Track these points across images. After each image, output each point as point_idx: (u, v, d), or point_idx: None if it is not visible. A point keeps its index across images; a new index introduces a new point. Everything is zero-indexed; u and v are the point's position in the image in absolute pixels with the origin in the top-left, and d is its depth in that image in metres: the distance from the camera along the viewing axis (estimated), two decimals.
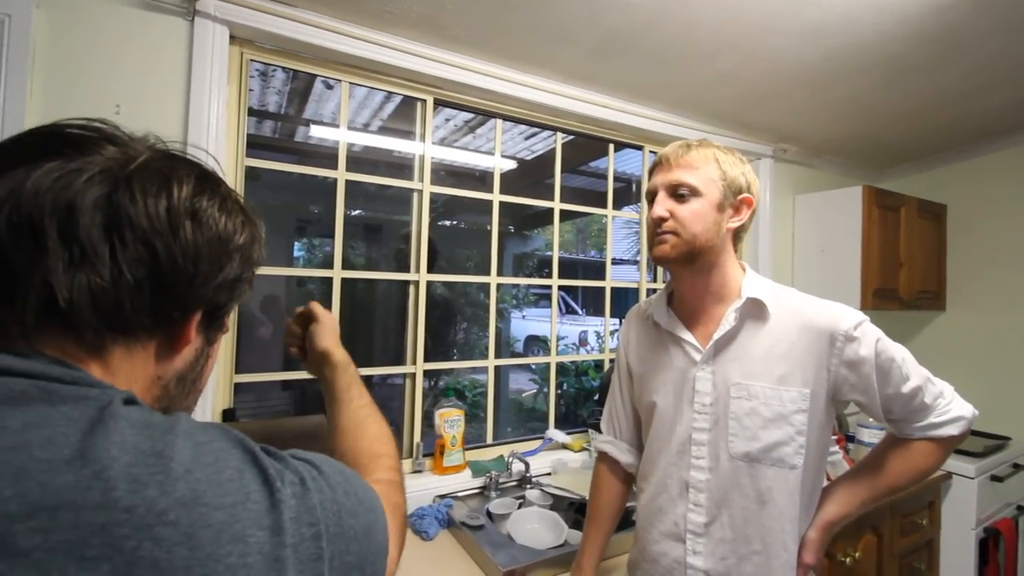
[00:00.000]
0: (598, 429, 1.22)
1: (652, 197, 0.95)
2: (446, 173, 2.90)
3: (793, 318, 0.91)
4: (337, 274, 1.60)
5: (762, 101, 2.05)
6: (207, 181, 0.46)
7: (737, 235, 0.97)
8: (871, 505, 0.97)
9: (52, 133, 0.41)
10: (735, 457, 0.90)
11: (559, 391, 3.81)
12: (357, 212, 3.53)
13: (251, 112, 1.57)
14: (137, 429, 0.35)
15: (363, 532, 0.43)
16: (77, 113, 1.18)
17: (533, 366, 4.92)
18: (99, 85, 1.19)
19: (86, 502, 0.30)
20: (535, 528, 1.43)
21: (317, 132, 2.68)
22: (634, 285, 2.31)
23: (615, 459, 1.12)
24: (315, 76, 1.58)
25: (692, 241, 0.90)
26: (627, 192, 3.60)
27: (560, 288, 2.11)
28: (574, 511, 1.58)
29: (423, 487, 1.58)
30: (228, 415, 1.41)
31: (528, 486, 1.67)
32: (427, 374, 1.76)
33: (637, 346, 1.09)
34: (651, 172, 0.98)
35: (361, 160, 2.25)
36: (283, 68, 1.55)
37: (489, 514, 1.49)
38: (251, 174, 1.49)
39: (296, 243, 3.76)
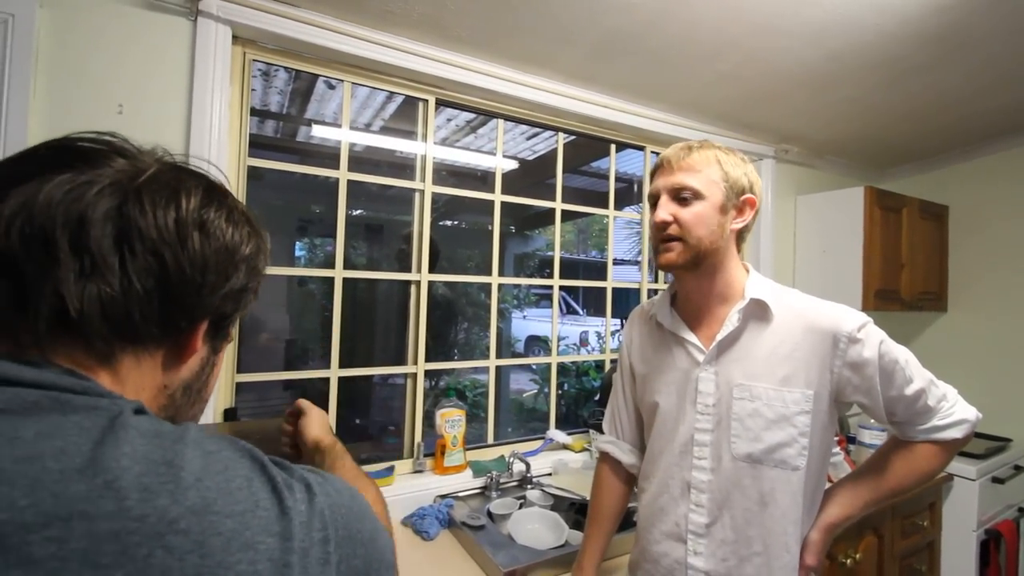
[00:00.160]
0: (599, 429, 1.22)
1: (654, 200, 0.95)
2: (448, 173, 2.90)
3: (796, 319, 0.91)
4: (339, 274, 1.60)
5: (763, 101, 2.05)
6: (214, 193, 0.46)
7: (740, 235, 0.97)
8: (873, 507, 0.96)
9: (63, 146, 0.42)
10: (737, 458, 0.90)
11: (560, 391, 3.81)
12: (359, 212, 3.53)
13: (253, 112, 1.58)
14: (147, 439, 0.35)
15: (368, 538, 0.44)
16: (80, 112, 1.19)
17: (534, 366, 4.92)
18: (102, 84, 1.19)
19: (99, 511, 0.31)
20: (536, 528, 1.43)
21: (319, 132, 2.68)
22: (635, 285, 2.31)
23: (617, 459, 1.12)
24: (317, 76, 1.59)
25: (697, 245, 0.90)
26: (628, 192, 3.61)
27: (561, 288, 2.11)
28: (575, 511, 1.58)
29: (424, 487, 1.58)
30: (230, 414, 1.41)
31: (529, 486, 1.67)
32: (428, 374, 1.76)
33: (640, 347, 1.09)
34: (653, 175, 0.97)
35: (363, 160, 2.26)
36: (285, 68, 1.55)
37: (490, 514, 1.49)
38: (253, 174, 1.49)
39: (298, 243, 3.77)
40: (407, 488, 1.56)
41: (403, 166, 1.88)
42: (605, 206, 2.23)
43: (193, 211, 0.43)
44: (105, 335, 0.40)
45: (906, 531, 1.99)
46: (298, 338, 3.15)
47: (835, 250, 2.41)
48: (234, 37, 1.36)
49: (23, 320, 0.38)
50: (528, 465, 1.70)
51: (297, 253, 3.81)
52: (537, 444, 1.91)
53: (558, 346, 2.13)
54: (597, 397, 2.30)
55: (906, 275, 2.43)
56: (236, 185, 1.41)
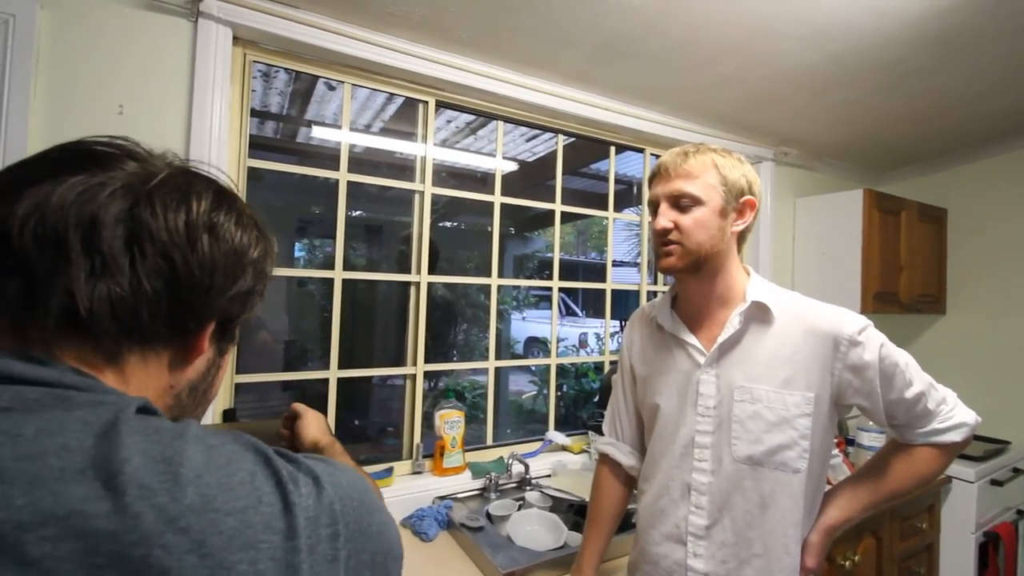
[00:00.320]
0: (598, 431, 1.22)
1: (654, 207, 0.95)
2: (447, 175, 2.90)
3: (797, 322, 0.91)
4: (338, 275, 1.60)
5: (763, 104, 2.05)
6: (224, 197, 0.47)
7: (742, 237, 0.97)
8: (873, 510, 0.97)
9: (76, 149, 0.43)
10: (738, 460, 0.90)
11: (559, 393, 3.81)
12: (358, 213, 3.53)
13: (253, 113, 1.58)
14: (146, 435, 0.35)
15: (378, 531, 0.44)
16: (80, 113, 1.19)
17: (533, 368, 4.92)
18: (102, 85, 1.19)
19: (96, 510, 0.31)
20: (535, 530, 1.43)
21: (319, 133, 2.68)
22: (634, 287, 2.31)
23: (617, 461, 1.12)
24: (317, 77, 1.59)
25: (697, 250, 0.91)
26: (628, 194, 3.61)
27: (560, 290, 2.11)
28: (574, 513, 1.58)
29: (423, 488, 1.58)
30: (229, 415, 1.41)
31: (528, 488, 1.67)
32: (427, 375, 1.76)
33: (641, 349, 1.09)
34: (651, 181, 0.98)
35: (363, 161, 2.25)
36: (285, 69, 1.55)
37: (489, 516, 1.49)
38: (253, 175, 1.49)
39: (297, 244, 3.76)
40: (406, 489, 1.56)
41: (403, 167, 1.88)
42: (604, 208, 2.23)
43: (203, 214, 0.44)
44: (114, 334, 0.40)
45: (905, 533, 1.99)
46: (297, 339, 3.15)
47: (834, 253, 2.41)
48: (235, 38, 1.36)
49: (32, 318, 0.38)
50: (527, 466, 1.70)
51: (297, 254, 3.81)
52: (536, 445, 1.91)
53: (557, 347, 2.13)
54: (596, 399, 2.30)
55: (905, 278, 2.44)
56: (236, 186, 1.41)
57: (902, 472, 0.93)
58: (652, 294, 2.32)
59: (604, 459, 1.15)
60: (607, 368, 2.21)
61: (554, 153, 2.12)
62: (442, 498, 1.55)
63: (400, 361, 1.76)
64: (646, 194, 1.04)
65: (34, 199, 0.38)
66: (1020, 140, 2.48)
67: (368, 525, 0.42)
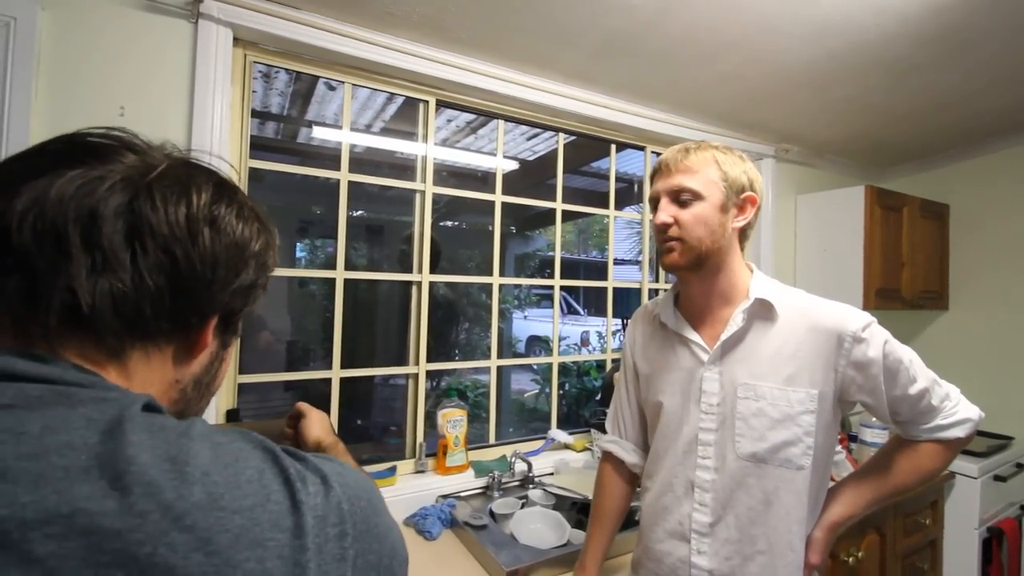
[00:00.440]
0: (600, 429, 1.22)
1: (655, 203, 0.95)
2: (448, 174, 2.89)
3: (800, 319, 0.91)
4: (340, 275, 1.60)
5: (764, 102, 2.05)
6: (225, 189, 0.47)
7: (743, 233, 0.97)
8: (877, 506, 0.97)
9: (74, 142, 0.42)
10: (742, 457, 0.90)
11: (561, 391, 3.80)
12: (359, 213, 3.53)
13: (254, 114, 1.58)
14: (152, 433, 0.35)
15: (384, 532, 0.43)
16: (81, 114, 1.19)
17: (535, 366, 4.92)
18: (103, 86, 1.20)
19: (102, 508, 0.30)
20: (538, 528, 1.43)
21: (320, 133, 2.68)
22: (636, 285, 2.31)
23: (620, 459, 1.12)
24: (318, 78, 1.59)
25: (698, 245, 0.91)
26: (629, 192, 3.60)
27: (562, 288, 2.11)
28: (577, 511, 1.58)
29: (426, 487, 1.58)
30: (232, 415, 1.42)
31: (531, 486, 1.67)
32: (429, 374, 1.77)
33: (644, 346, 1.09)
34: (652, 178, 0.98)
35: (363, 161, 2.25)
36: (286, 70, 1.55)
37: (492, 514, 1.49)
38: (254, 175, 1.49)
39: (298, 244, 3.76)
40: (409, 488, 1.56)
41: (404, 167, 1.88)
42: (605, 206, 2.23)
43: (204, 207, 0.43)
44: (116, 330, 0.39)
45: (908, 529, 1.99)
46: (299, 339, 3.15)
47: (836, 249, 2.41)
48: (235, 39, 1.36)
49: (33, 315, 0.38)
50: (530, 465, 1.70)
51: (298, 254, 3.81)
52: (539, 444, 1.91)
53: (559, 346, 2.13)
54: (598, 397, 2.30)
55: (907, 274, 2.43)
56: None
57: (906, 468, 0.93)
58: (654, 292, 2.32)
59: (607, 457, 1.15)
60: (609, 366, 2.21)
61: (555, 152, 2.12)
62: (445, 497, 1.56)
63: (402, 360, 1.76)
64: (647, 192, 1.04)
65: (33, 193, 0.37)
66: (1019, 136, 2.47)
67: (375, 526, 0.42)
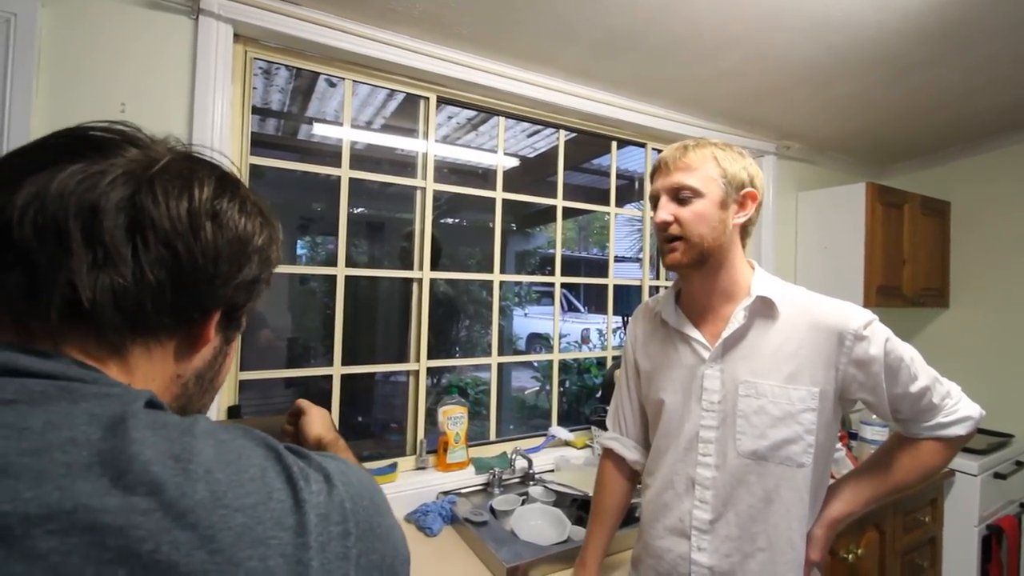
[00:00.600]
0: (601, 426, 1.22)
1: (655, 202, 0.95)
2: (449, 171, 2.90)
3: (802, 316, 0.91)
4: (341, 272, 1.60)
5: (765, 98, 2.04)
6: (227, 183, 0.46)
7: (745, 230, 0.97)
8: (877, 503, 0.97)
9: (75, 136, 0.42)
10: (742, 455, 0.90)
11: (561, 388, 3.81)
12: (360, 210, 3.52)
13: (255, 110, 1.58)
14: (155, 430, 0.35)
15: (387, 532, 0.43)
16: (82, 111, 1.19)
17: (535, 363, 4.92)
18: (104, 83, 1.19)
19: (104, 505, 0.30)
20: (538, 524, 1.43)
21: (320, 130, 2.68)
22: (637, 282, 2.31)
23: (620, 456, 1.12)
24: (318, 74, 1.59)
25: (699, 243, 0.91)
26: (630, 189, 3.59)
27: (563, 286, 2.11)
28: (577, 507, 1.59)
29: (427, 484, 1.59)
30: (233, 412, 1.42)
31: (531, 483, 1.68)
32: (430, 371, 1.77)
33: (645, 344, 1.09)
34: (652, 177, 0.98)
35: (364, 158, 2.25)
36: (286, 66, 1.55)
37: (492, 510, 1.49)
38: (255, 172, 1.49)
39: (299, 241, 3.76)
40: (410, 485, 1.57)
41: (404, 164, 1.88)
42: (606, 203, 2.23)
43: (206, 201, 0.43)
44: (117, 325, 0.39)
45: (908, 527, 2.00)
46: (300, 336, 3.15)
47: (837, 246, 2.40)
48: (236, 35, 1.36)
49: (35, 310, 0.37)
50: (530, 462, 1.71)
51: (299, 251, 3.81)
52: (539, 441, 1.92)
53: (560, 343, 2.13)
54: (599, 394, 2.30)
55: (908, 271, 2.43)
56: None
57: (906, 466, 0.93)
58: (654, 289, 2.32)
59: (608, 454, 1.16)
60: (609, 364, 2.22)
61: (555, 149, 2.12)
62: (446, 493, 1.56)
63: (403, 357, 1.77)
64: (648, 189, 1.04)
65: (33, 187, 0.37)
66: (1020, 134, 2.47)
67: (378, 525, 0.41)
